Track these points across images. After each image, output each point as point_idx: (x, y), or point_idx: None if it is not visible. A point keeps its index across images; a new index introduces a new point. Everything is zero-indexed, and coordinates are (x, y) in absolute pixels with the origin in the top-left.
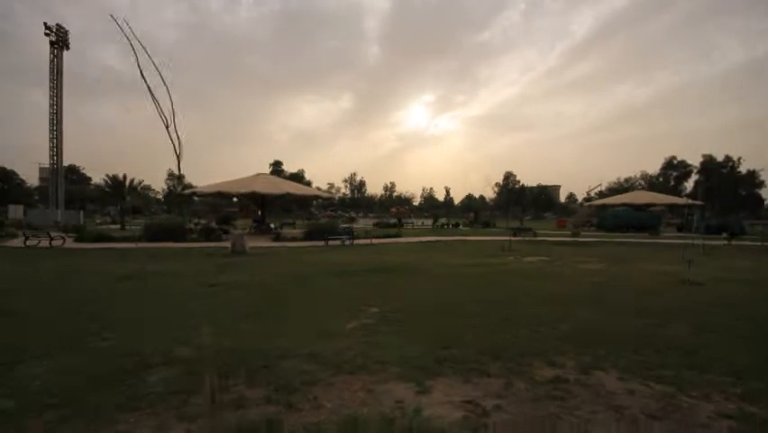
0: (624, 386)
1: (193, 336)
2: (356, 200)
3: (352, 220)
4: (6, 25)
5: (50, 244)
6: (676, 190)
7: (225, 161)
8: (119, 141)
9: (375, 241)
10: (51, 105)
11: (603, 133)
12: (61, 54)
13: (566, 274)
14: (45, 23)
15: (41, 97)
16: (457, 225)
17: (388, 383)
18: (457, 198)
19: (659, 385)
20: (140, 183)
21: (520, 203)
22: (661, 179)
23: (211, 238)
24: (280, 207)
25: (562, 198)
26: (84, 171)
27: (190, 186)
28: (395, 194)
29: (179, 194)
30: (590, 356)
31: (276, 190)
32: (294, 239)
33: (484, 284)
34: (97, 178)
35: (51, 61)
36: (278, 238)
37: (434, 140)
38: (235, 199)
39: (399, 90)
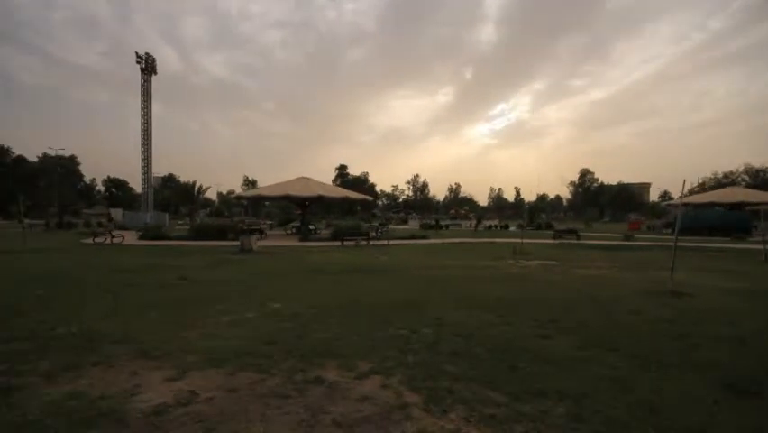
0: (402, 399)
1: (84, 319)
2: (419, 202)
3: (404, 222)
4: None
5: (111, 241)
6: None
7: (310, 163)
8: (220, 148)
9: (396, 242)
10: (142, 124)
11: (752, 117)
12: (150, 78)
13: (547, 280)
14: (136, 53)
15: (159, 111)
16: (506, 226)
17: (161, 370)
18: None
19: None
20: (207, 188)
21: (597, 203)
22: None
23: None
24: (339, 209)
25: (654, 197)
26: (180, 178)
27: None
28: (459, 195)
29: (235, 197)
30: (393, 361)
31: (309, 193)
32: (320, 240)
33: (440, 286)
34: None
35: (142, 86)
36: (304, 239)
37: (535, 134)
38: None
39: (507, 78)
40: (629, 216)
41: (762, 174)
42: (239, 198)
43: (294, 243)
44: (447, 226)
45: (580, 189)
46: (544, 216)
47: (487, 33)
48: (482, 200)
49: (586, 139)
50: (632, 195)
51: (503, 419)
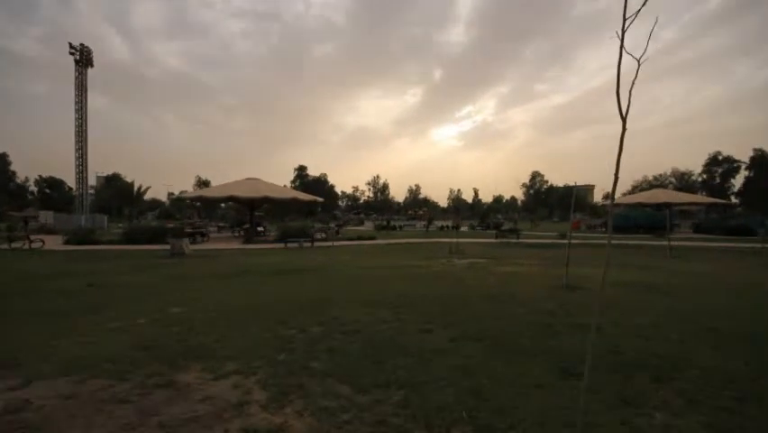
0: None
1: None
2: (379, 203)
3: (361, 223)
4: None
5: (29, 246)
6: (722, 188)
7: (272, 163)
8: (174, 146)
9: (342, 243)
10: (77, 120)
11: (696, 123)
12: (86, 71)
13: (463, 277)
14: (70, 43)
15: (105, 106)
16: (458, 227)
17: (4, 380)
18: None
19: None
20: (147, 189)
21: (546, 204)
22: (704, 176)
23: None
24: (297, 211)
25: (598, 198)
26: (125, 178)
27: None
28: (419, 196)
29: (175, 198)
30: (262, 361)
31: (255, 194)
32: (266, 242)
33: (355, 286)
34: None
35: (76, 78)
36: (248, 241)
37: (498, 136)
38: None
39: (475, 80)
40: (576, 215)
41: (686, 177)
42: (180, 199)
43: (237, 245)
44: (401, 227)
45: (531, 191)
46: (500, 216)
47: (457, 35)
48: (443, 201)
49: (544, 142)
50: (579, 196)
51: (334, 410)
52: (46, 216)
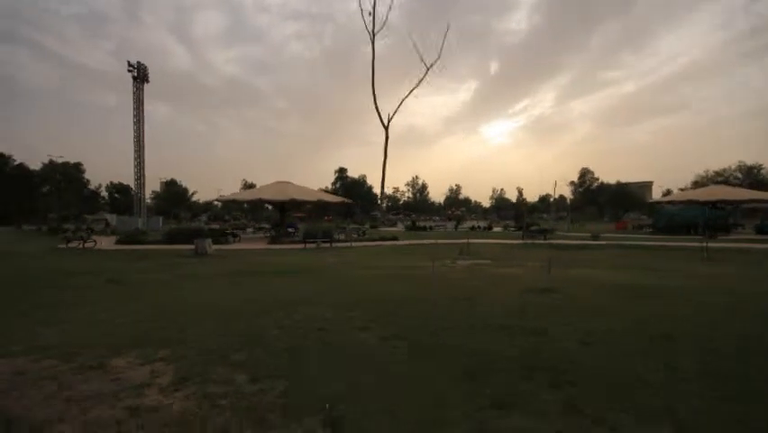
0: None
1: None
2: (418, 203)
3: (394, 224)
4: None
5: (83, 246)
6: None
7: (318, 165)
8: (227, 150)
9: (362, 244)
10: (135, 131)
11: None
12: (142, 86)
13: (454, 279)
14: (128, 62)
15: (167, 114)
16: (490, 228)
17: None
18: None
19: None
20: (194, 193)
21: (595, 202)
22: None
23: (220, 241)
24: (336, 212)
25: (658, 195)
26: (181, 183)
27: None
28: (460, 196)
29: (213, 202)
30: (194, 351)
31: (281, 197)
32: (292, 242)
33: (344, 287)
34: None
35: (134, 93)
36: (274, 241)
37: (554, 131)
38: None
39: (534, 71)
40: (627, 214)
41: (755, 171)
42: (212, 202)
43: (263, 245)
44: (431, 228)
45: (580, 189)
46: (545, 216)
47: (518, 22)
48: (487, 201)
49: (606, 136)
50: (630, 194)
51: (217, 396)
52: (110, 219)
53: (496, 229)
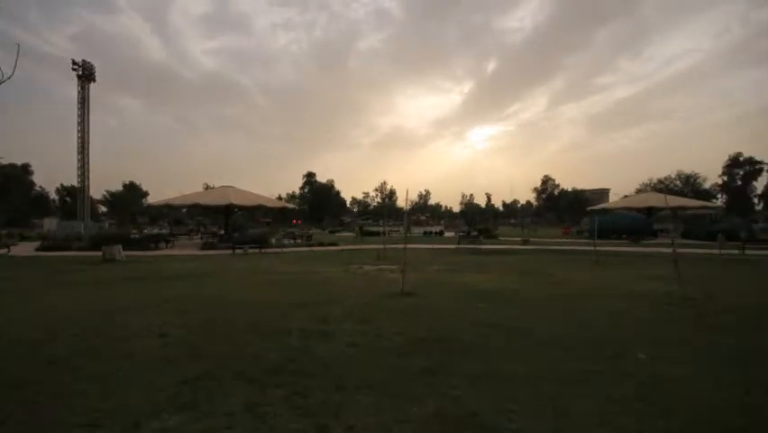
0: None
1: None
2: (386, 209)
3: (353, 229)
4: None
5: None
6: (745, 191)
7: (304, 169)
8: (204, 150)
9: (297, 249)
10: (78, 132)
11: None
12: (88, 86)
13: (338, 283)
14: (73, 60)
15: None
16: (441, 233)
17: None
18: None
19: None
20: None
21: (554, 209)
22: (724, 179)
23: (149, 247)
24: (303, 217)
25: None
26: (140, 186)
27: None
28: (429, 202)
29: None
30: None
31: (219, 201)
32: (226, 247)
33: (208, 292)
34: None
35: (79, 93)
36: (205, 247)
37: (541, 137)
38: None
39: (531, 73)
40: (584, 220)
41: (692, 180)
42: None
43: (193, 251)
44: (381, 233)
45: (543, 195)
46: (513, 221)
47: (521, 19)
48: (458, 206)
49: (592, 143)
50: (586, 200)
51: None
52: (49, 223)
53: (447, 234)
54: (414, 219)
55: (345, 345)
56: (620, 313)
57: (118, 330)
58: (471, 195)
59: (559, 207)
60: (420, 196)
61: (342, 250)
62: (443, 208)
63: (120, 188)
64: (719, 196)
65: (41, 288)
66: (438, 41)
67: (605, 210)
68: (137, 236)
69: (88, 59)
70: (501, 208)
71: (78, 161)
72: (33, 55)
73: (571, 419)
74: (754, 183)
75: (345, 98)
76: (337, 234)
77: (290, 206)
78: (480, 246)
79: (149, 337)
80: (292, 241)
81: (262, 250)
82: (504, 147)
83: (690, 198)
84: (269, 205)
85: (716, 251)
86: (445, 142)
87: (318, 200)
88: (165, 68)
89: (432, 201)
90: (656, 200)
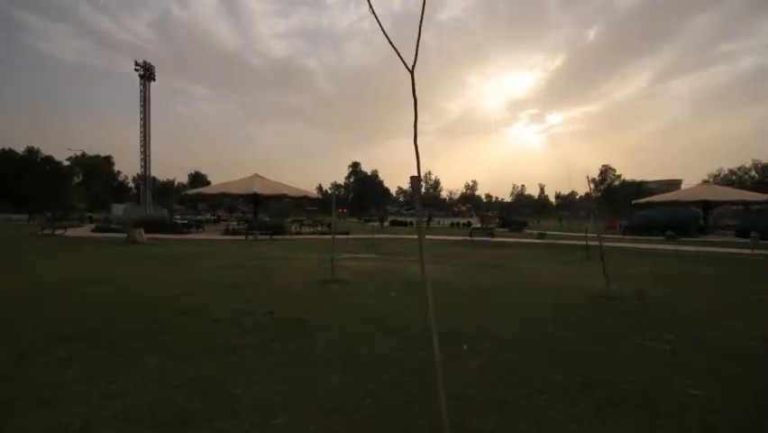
0: None
1: None
2: (430, 199)
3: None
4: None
5: (53, 232)
6: None
7: (353, 158)
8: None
9: (305, 237)
10: (141, 127)
11: None
12: (148, 85)
13: (299, 269)
14: (135, 61)
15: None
16: (469, 224)
17: None
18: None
19: None
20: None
21: (614, 201)
22: None
23: (182, 231)
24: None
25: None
26: (206, 175)
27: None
28: (476, 192)
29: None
30: None
31: (244, 191)
32: (243, 233)
33: (181, 271)
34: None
35: (141, 91)
36: (226, 233)
37: (634, 119)
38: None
39: (634, 42)
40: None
41: None
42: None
43: (214, 236)
44: (410, 223)
45: (601, 187)
46: (566, 213)
47: None
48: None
49: (698, 126)
50: (650, 192)
51: None
52: (118, 209)
53: (475, 225)
54: (455, 210)
55: (210, 321)
56: (518, 306)
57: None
58: (523, 185)
59: (616, 200)
60: (467, 186)
61: (349, 239)
62: (494, 199)
63: (185, 179)
64: None
65: (44, 260)
66: (535, 6)
67: (651, 204)
68: (177, 221)
69: (163, 46)
70: (554, 200)
71: (141, 153)
72: (109, 42)
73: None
74: None
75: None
76: (369, 224)
77: (312, 194)
78: (490, 239)
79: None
80: (312, 229)
81: (273, 236)
82: (586, 131)
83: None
84: (290, 194)
85: (747, 250)
86: (519, 126)
87: (363, 190)
88: (235, 54)
89: (482, 192)
90: (711, 193)
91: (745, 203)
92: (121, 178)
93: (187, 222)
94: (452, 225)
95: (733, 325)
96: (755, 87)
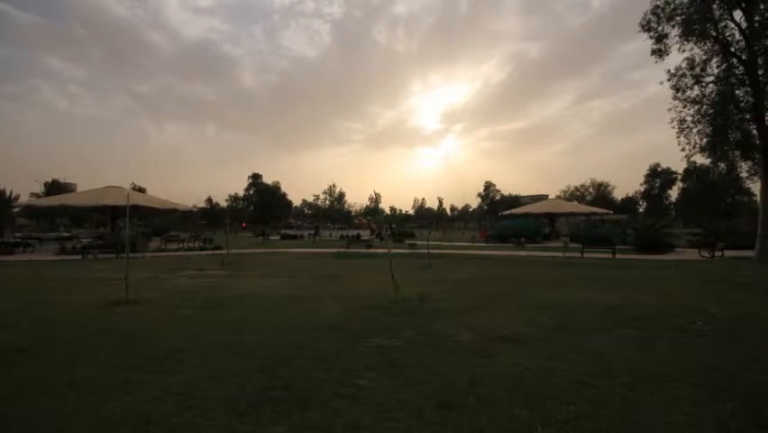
0: None
1: None
2: (335, 212)
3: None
4: None
5: None
6: (660, 199)
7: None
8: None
9: (157, 254)
10: None
11: None
12: None
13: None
14: None
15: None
16: (358, 237)
17: None
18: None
19: None
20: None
21: (495, 213)
22: (645, 186)
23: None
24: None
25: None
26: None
27: None
28: (380, 205)
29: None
30: None
31: (96, 203)
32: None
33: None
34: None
35: None
36: (61, 252)
37: (549, 135)
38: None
39: (570, 62)
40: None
41: (602, 187)
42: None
43: (45, 257)
44: (301, 236)
45: (486, 201)
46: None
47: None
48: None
49: (597, 144)
50: (522, 206)
51: None
52: None
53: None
54: (356, 223)
55: None
56: (310, 312)
57: None
58: (423, 199)
59: (496, 212)
60: (371, 199)
61: (213, 254)
62: (399, 212)
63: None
64: (642, 203)
65: None
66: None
67: (512, 215)
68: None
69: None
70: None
71: None
72: None
73: None
74: (669, 191)
75: (352, 78)
76: (258, 238)
77: (182, 207)
78: (366, 250)
79: None
80: (181, 245)
81: (119, 255)
82: (508, 147)
83: (599, 205)
84: (156, 206)
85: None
86: (448, 140)
87: (264, 202)
88: (130, 28)
89: (386, 204)
90: (552, 207)
91: (574, 214)
92: None
93: (17, 241)
94: (341, 237)
95: (470, 319)
96: (653, 113)
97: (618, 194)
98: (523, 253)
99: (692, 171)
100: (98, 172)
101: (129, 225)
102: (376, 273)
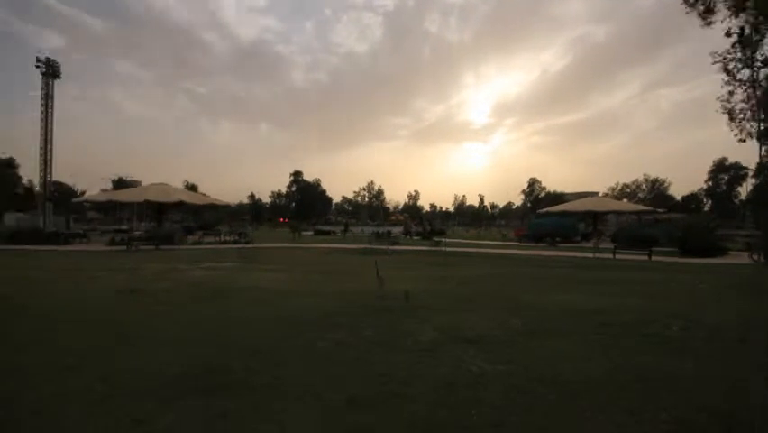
0: None
1: None
2: (373, 209)
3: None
4: None
5: None
6: (728, 197)
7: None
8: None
9: (191, 247)
10: (42, 128)
11: None
12: (53, 83)
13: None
14: (37, 57)
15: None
16: (389, 233)
17: None
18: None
19: None
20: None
21: (536, 211)
22: (709, 184)
23: (57, 242)
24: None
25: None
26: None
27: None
28: (418, 202)
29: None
30: None
31: (138, 199)
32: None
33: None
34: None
35: (42, 89)
36: (111, 243)
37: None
38: None
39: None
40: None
41: (657, 185)
42: (88, 201)
43: (98, 247)
44: (333, 233)
45: (530, 198)
46: (503, 222)
47: None
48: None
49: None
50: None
51: None
52: (11, 219)
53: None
54: (392, 219)
55: None
56: (296, 307)
57: None
58: (464, 196)
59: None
60: (409, 196)
61: (243, 248)
62: (438, 209)
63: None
64: (706, 201)
65: None
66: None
67: (548, 213)
68: (57, 231)
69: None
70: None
71: (41, 156)
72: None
73: None
74: (738, 188)
75: (403, 75)
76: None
77: (220, 203)
78: (389, 247)
79: None
80: (216, 238)
81: (159, 246)
82: (564, 141)
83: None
84: (190, 201)
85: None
86: (498, 134)
87: (305, 199)
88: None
89: (426, 201)
90: (593, 204)
91: (619, 213)
92: (27, 184)
93: (75, 232)
94: (374, 233)
95: (443, 318)
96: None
97: (679, 191)
98: (550, 253)
99: (765, 167)
100: (159, 170)
101: (168, 221)
102: (385, 270)
